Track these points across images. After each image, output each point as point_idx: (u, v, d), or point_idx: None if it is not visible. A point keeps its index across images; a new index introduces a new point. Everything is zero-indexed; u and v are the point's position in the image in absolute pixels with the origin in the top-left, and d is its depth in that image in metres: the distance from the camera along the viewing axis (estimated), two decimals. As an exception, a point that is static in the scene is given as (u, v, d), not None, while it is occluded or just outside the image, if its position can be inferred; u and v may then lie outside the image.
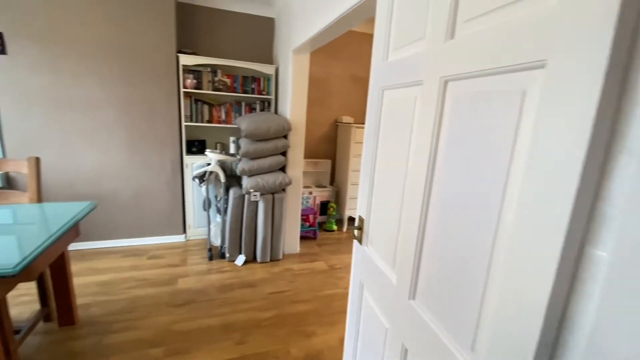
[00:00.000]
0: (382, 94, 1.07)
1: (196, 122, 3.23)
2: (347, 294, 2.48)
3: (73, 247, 2.94)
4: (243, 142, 2.79)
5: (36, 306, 2.09)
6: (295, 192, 3.02)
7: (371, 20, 3.58)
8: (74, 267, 2.64)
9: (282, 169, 2.99)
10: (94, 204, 1.89)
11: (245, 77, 3.34)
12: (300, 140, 2.88)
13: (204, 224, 3.30)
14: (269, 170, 2.80)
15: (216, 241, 2.95)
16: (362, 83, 3.98)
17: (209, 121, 3.32)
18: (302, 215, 3.42)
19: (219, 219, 2.95)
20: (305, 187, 3.80)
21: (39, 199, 1.87)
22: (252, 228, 2.84)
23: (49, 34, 2.54)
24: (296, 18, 2.55)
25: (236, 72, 3.34)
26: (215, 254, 2.99)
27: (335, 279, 2.71)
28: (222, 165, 2.96)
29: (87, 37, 2.62)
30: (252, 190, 2.66)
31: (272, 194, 2.80)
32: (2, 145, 2.62)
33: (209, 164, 2.99)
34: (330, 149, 4.07)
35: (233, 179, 3.17)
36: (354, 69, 3.90)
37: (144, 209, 3.09)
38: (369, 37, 3.86)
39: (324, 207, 3.87)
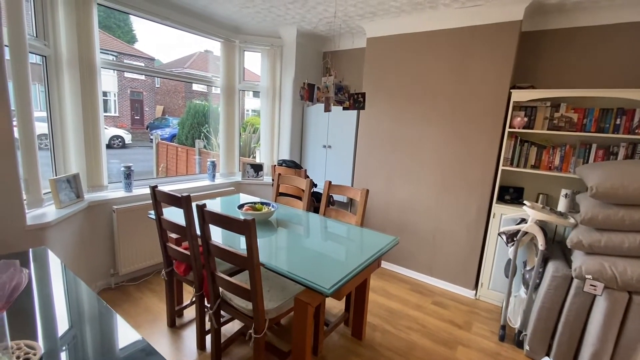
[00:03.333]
0: None
1: (517, 166, 2.71)
2: None
3: (377, 263, 3.42)
4: (586, 202, 1.95)
5: (343, 307, 2.56)
6: (684, 303, 1.71)
7: None
8: (373, 282, 3.03)
9: (662, 257, 1.79)
10: (396, 240, 2.00)
11: (605, 110, 2.38)
12: None
13: (501, 289, 2.70)
14: (630, 255, 1.76)
15: (514, 320, 2.29)
16: None
17: (535, 166, 2.68)
18: (691, 345, 1.91)
19: (524, 293, 2.27)
20: None
21: (362, 223, 2.24)
22: (576, 329, 1.92)
23: (394, 90, 3.08)
24: None
25: (590, 104, 2.46)
26: (509, 335, 2.34)
27: None
28: (542, 225, 2.26)
29: (423, 87, 2.93)
30: (588, 277, 1.78)
31: (630, 293, 1.74)
32: (353, 174, 3.52)
33: (523, 220, 2.39)
34: None
35: (557, 246, 2.34)
36: None
37: (439, 249, 3.01)
38: None
39: None
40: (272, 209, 2.18)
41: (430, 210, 3.02)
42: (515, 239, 2.25)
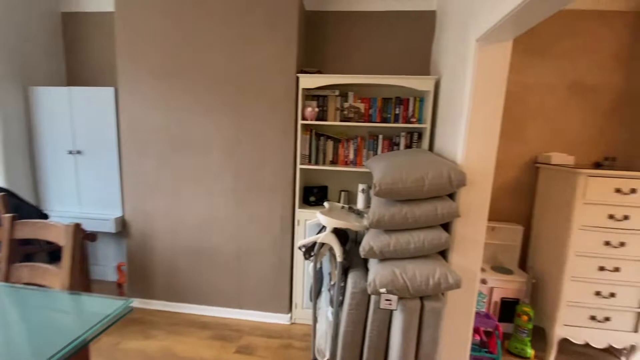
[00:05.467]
0: None
1: (316, 163, 2.38)
2: None
3: (167, 307, 2.50)
4: (374, 202, 1.70)
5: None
6: (465, 294, 1.65)
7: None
8: (156, 344, 2.10)
9: (443, 253, 1.69)
10: (127, 306, 1.17)
11: (386, 100, 2.30)
12: (482, 200, 1.54)
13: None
14: (417, 255, 1.57)
15: (325, 350, 1.89)
16: (590, 95, 2.25)
17: (333, 162, 2.42)
18: (470, 326, 1.97)
19: (331, 314, 1.90)
20: (473, 268, 2.32)
21: (71, 283, 1.29)
22: (381, 350, 1.64)
23: (164, 71, 2.24)
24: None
25: (374, 94, 2.35)
26: (321, 369, 1.93)
27: None
28: (344, 231, 1.94)
29: (201, 68, 2.21)
30: (382, 291, 1.49)
31: (421, 299, 1.54)
32: (122, 189, 2.45)
33: (321, 230, 2.02)
34: (523, 207, 2.45)
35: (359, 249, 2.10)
36: (576, 71, 2.25)
37: (246, 273, 2.39)
38: (608, 15, 2.16)
39: (507, 308, 2.26)
40: None
41: (231, 227, 2.36)
42: (312, 253, 1.83)
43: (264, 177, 2.27)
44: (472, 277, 1.61)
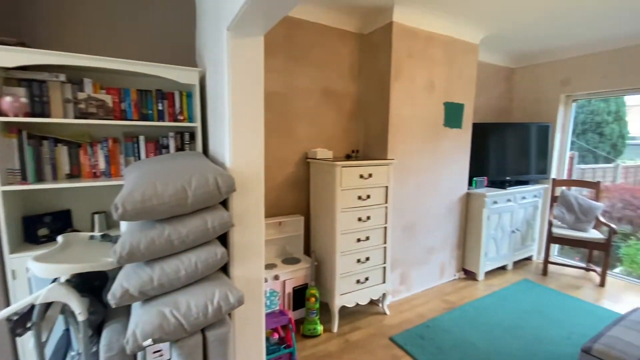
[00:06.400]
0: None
1: (39, 180, 1.63)
2: None
3: None
4: (125, 228, 1.28)
5: None
6: (252, 305, 1.54)
7: (348, 11, 2.41)
8: None
9: (224, 268, 1.50)
10: None
11: (144, 92, 1.86)
12: (256, 203, 1.45)
13: (68, 384, 1.62)
14: (189, 282, 1.30)
15: None
16: (337, 100, 2.71)
17: (74, 175, 1.74)
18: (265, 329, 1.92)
19: (83, 395, 1.33)
20: (267, 265, 2.32)
21: None
22: (161, 412, 1.28)
23: None
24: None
25: (125, 84, 1.85)
26: None
27: None
28: (88, 277, 1.37)
29: None
30: (147, 343, 1.13)
31: (203, 331, 1.29)
32: None
33: (55, 280, 1.37)
34: (302, 198, 2.67)
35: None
36: (326, 79, 2.63)
37: None
38: (344, 34, 2.65)
39: (299, 295, 2.41)
40: None
41: None
42: (30, 323, 1.19)
43: None
44: (257, 284, 1.52)
